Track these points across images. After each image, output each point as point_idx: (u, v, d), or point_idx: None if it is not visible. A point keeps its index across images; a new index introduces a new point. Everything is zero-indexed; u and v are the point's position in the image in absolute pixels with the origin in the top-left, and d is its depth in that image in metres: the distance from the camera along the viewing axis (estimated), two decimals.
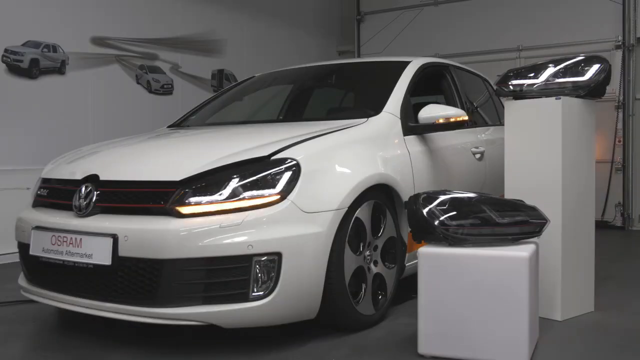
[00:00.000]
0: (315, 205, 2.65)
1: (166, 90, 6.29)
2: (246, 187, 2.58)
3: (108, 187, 2.75)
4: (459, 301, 2.52)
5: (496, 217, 2.60)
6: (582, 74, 3.15)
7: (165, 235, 2.48)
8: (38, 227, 2.83)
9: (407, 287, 3.31)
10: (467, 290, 2.51)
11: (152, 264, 2.50)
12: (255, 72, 4.79)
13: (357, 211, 2.83)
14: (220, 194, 2.56)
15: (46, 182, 3.12)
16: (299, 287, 2.59)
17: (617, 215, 6.66)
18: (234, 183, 2.58)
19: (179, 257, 2.46)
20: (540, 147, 3.13)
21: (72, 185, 2.87)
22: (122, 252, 2.54)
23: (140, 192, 2.70)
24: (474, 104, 4.52)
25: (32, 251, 2.82)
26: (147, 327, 2.57)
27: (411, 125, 3.47)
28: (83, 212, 2.71)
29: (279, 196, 2.59)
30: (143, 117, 5.93)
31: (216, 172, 2.64)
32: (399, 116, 3.43)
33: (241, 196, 2.56)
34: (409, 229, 2.74)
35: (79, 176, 2.86)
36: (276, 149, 2.74)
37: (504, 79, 3.29)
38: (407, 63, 3.87)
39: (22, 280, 3.06)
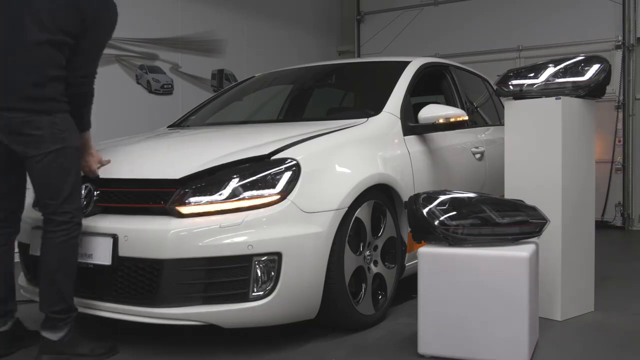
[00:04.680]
0: (315, 205, 2.65)
1: (166, 90, 6.28)
2: (246, 187, 2.58)
3: (108, 186, 2.76)
4: (459, 301, 2.52)
5: (496, 217, 2.60)
6: (582, 74, 3.15)
7: (165, 235, 2.48)
8: (38, 227, 2.82)
9: (407, 287, 3.31)
10: (467, 290, 2.51)
11: (152, 264, 2.50)
12: (255, 72, 4.79)
13: (357, 211, 2.83)
14: (220, 194, 2.56)
15: None
16: (299, 287, 2.59)
17: (617, 215, 6.66)
18: (234, 183, 2.58)
19: (179, 257, 2.46)
20: (540, 147, 3.13)
21: None
22: (122, 252, 2.54)
23: (140, 192, 2.71)
24: (474, 104, 4.52)
25: (32, 251, 2.82)
26: (147, 327, 2.57)
27: (411, 125, 3.47)
28: (83, 212, 2.71)
29: (279, 196, 2.59)
30: (143, 117, 5.93)
31: (216, 170, 2.65)
32: (399, 116, 3.43)
33: (241, 196, 2.57)
34: (409, 229, 2.74)
35: None
36: (276, 148, 2.74)
37: (504, 79, 3.29)
38: (407, 63, 3.87)
39: (22, 280, 3.06)
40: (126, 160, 2.95)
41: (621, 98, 6.61)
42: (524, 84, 3.22)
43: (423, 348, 2.58)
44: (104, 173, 2.79)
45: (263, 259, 2.52)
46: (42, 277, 2.52)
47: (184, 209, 2.54)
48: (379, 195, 3.02)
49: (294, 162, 2.67)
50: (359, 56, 8.22)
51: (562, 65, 3.19)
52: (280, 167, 2.65)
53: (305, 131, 3.00)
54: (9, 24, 2.46)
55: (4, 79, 2.45)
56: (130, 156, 3.02)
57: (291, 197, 2.60)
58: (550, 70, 3.19)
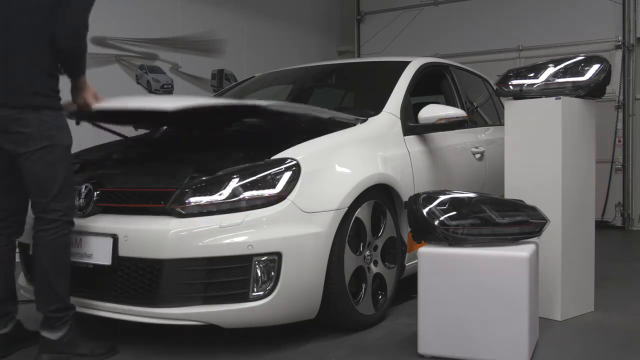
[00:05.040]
0: (315, 205, 2.65)
1: (166, 90, 6.28)
2: (246, 187, 2.58)
3: (107, 187, 2.75)
4: (459, 301, 2.52)
5: (496, 217, 2.60)
6: (582, 74, 3.15)
7: (165, 235, 2.48)
8: None
9: (407, 287, 3.31)
10: (467, 290, 2.51)
11: (152, 264, 2.50)
12: (255, 72, 4.79)
13: (357, 211, 2.83)
14: (220, 194, 2.56)
15: None
16: (299, 287, 2.59)
17: (617, 215, 6.64)
18: (234, 183, 2.58)
19: (179, 257, 2.46)
20: (540, 147, 3.13)
21: None
22: (122, 252, 2.55)
23: (140, 192, 2.71)
24: (474, 104, 4.52)
25: (32, 251, 2.82)
26: (147, 327, 2.57)
27: (411, 125, 3.47)
28: (83, 212, 2.71)
29: (279, 196, 2.59)
30: None
31: (207, 110, 2.68)
32: (399, 116, 3.43)
33: (241, 196, 2.57)
34: (409, 229, 2.74)
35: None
36: (271, 102, 2.77)
37: (504, 79, 3.29)
38: (407, 63, 3.87)
39: (22, 280, 3.06)
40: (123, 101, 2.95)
41: (621, 98, 6.60)
42: (524, 84, 3.22)
43: (423, 348, 2.58)
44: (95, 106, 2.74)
45: (263, 259, 2.51)
46: (36, 276, 2.52)
47: (184, 209, 2.54)
48: (379, 195, 3.01)
49: (294, 162, 2.67)
50: (359, 56, 8.21)
51: (562, 65, 3.19)
52: (280, 167, 2.65)
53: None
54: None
55: None
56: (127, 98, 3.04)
57: (291, 197, 2.60)
58: (550, 70, 3.19)
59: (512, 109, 3.24)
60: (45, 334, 2.51)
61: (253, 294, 2.51)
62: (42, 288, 2.51)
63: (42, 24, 2.45)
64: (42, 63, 2.47)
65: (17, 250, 3.08)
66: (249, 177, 2.61)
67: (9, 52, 2.44)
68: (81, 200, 2.74)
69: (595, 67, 3.15)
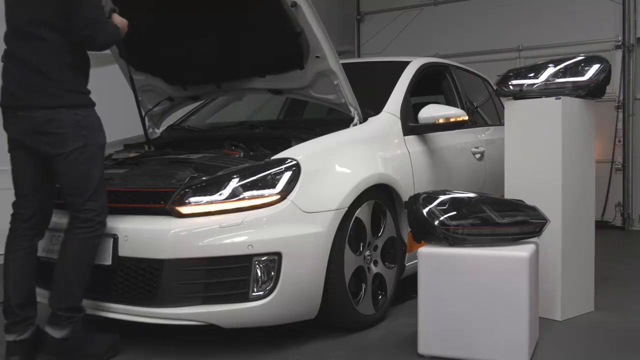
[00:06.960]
0: (315, 205, 2.65)
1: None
2: (246, 187, 2.58)
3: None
4: (459, 301, 2.52)
5: (496, 217, 2.60)
6: (582, 74, 3.15)
7: (165, 235, 2.48)
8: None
9: (407, 287, 3.31)
10: (467, 290, 2.51)
11: (152, 264, 2.50)
12: None
13: (357, 211, 2.83)
14: (220, 194, 2.56)
15: None
16: (299, 287, 2.59)
17: (617, 215, 6.64)
18: (234, 183, 2.58)
19: (179, 257, 2.47)
20: (540, 147, 3.13)
21: None
22: (122, 252, 2.55)
23: (140, 192, 2.71)
24: (474, 104, 4.52)
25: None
26: (147, 327, 2.57)
27: (411, 125, 3.47)
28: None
29: (279, 196, 2.59)
30: None
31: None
32: (399, 116, 3.43)
33: (241, 196, 2.57)
34: (409, 229, 2.74)
35: None
36: None
37: (504, 79, 3.29)
38: (407, 63, 3.87)
39: None
40: None
41: (621, 98, 6.60)
42: (524, 84, 3.22)
43: (423, 348, 2.58)
44: None
45: (263, 259, 2.52)
46: (57, 272, 2.51)
47: (184, 209, 2.54)
48: (379, 195, 3.01)
49: (294, 162, 2.67)
50: (359, 56, 8.20)
51: (562, 65, 3.19)
52: (280, 167, 2.65)
53: None
54: (14, 31, 2.50)
55: (20, 80, 2.46)
56: None
57: (291, 197, 2.60)
58: (550, 70, 3.19)
59: (512, 109, 3.24)
60: (49, 329, 2.50)
61: (253, 294, 2.51)
62: (59, 284, 2.50)
63: (65, 23, 2.44)
64: (71, 61, 2.48)
65: None
66: (249, 177, 2.61)
67: (38, 54, 2.44)
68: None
69: (595, 67, 3.15)
